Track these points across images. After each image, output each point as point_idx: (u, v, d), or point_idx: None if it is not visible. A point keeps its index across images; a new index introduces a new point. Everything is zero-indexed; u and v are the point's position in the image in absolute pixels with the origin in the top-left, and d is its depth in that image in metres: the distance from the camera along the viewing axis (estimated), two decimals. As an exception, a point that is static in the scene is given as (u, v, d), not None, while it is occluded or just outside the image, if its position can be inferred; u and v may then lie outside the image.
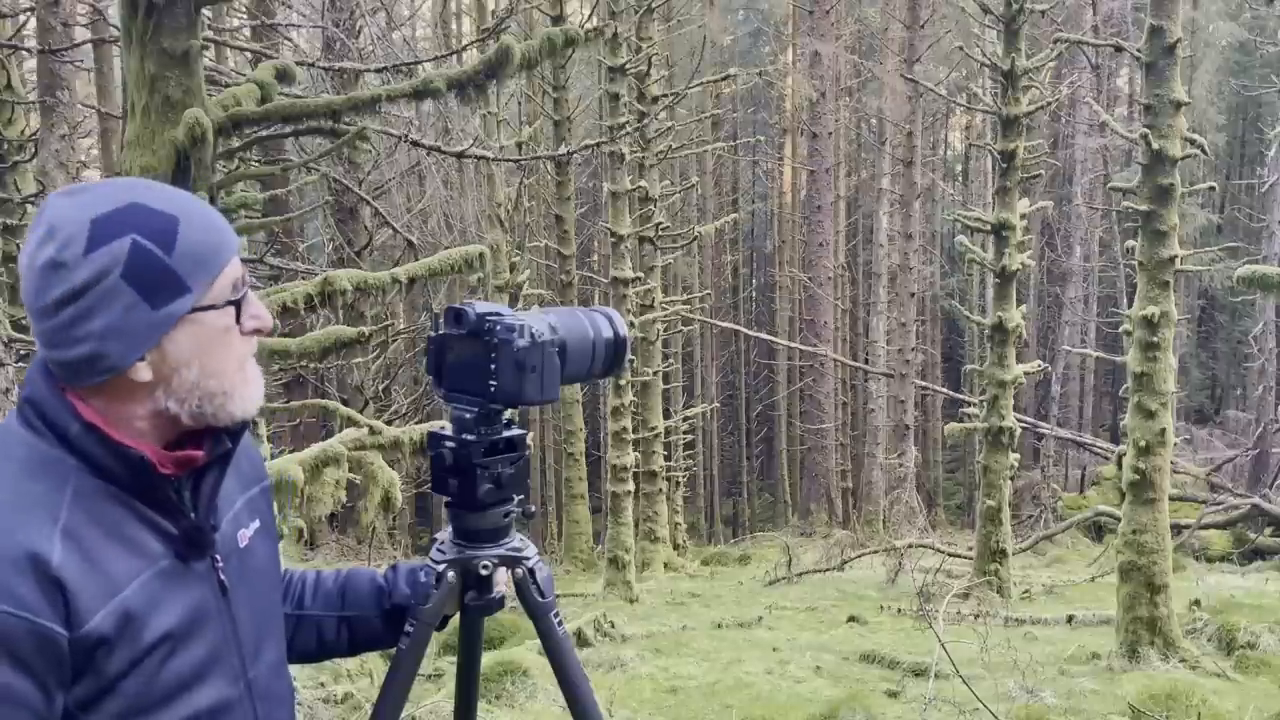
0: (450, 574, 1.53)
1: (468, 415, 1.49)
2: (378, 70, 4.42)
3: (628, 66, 12.32)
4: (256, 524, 1.39)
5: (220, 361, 1.23)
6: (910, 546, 12.98)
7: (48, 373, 1.20)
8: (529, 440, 1.56)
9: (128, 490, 1.19)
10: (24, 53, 9.48)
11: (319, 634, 1.56)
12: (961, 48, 12.50)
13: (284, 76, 3.91)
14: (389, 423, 8.82)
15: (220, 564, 1.28)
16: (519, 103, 17.95)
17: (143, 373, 1.18)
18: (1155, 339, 7.41)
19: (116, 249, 1.14)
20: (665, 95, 14.00)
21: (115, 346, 1.15)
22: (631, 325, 12.94)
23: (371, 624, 1.57)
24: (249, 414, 1.27)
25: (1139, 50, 7.45)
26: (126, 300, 1.14)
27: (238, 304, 1.23)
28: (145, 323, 1.15)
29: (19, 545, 1.08)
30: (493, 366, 1.45)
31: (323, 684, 5.96)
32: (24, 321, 7.33)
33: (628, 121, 12.57)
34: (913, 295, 19.15)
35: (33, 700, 1.08)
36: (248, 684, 1.29)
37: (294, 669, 1.50)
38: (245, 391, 1.26)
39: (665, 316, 15.62)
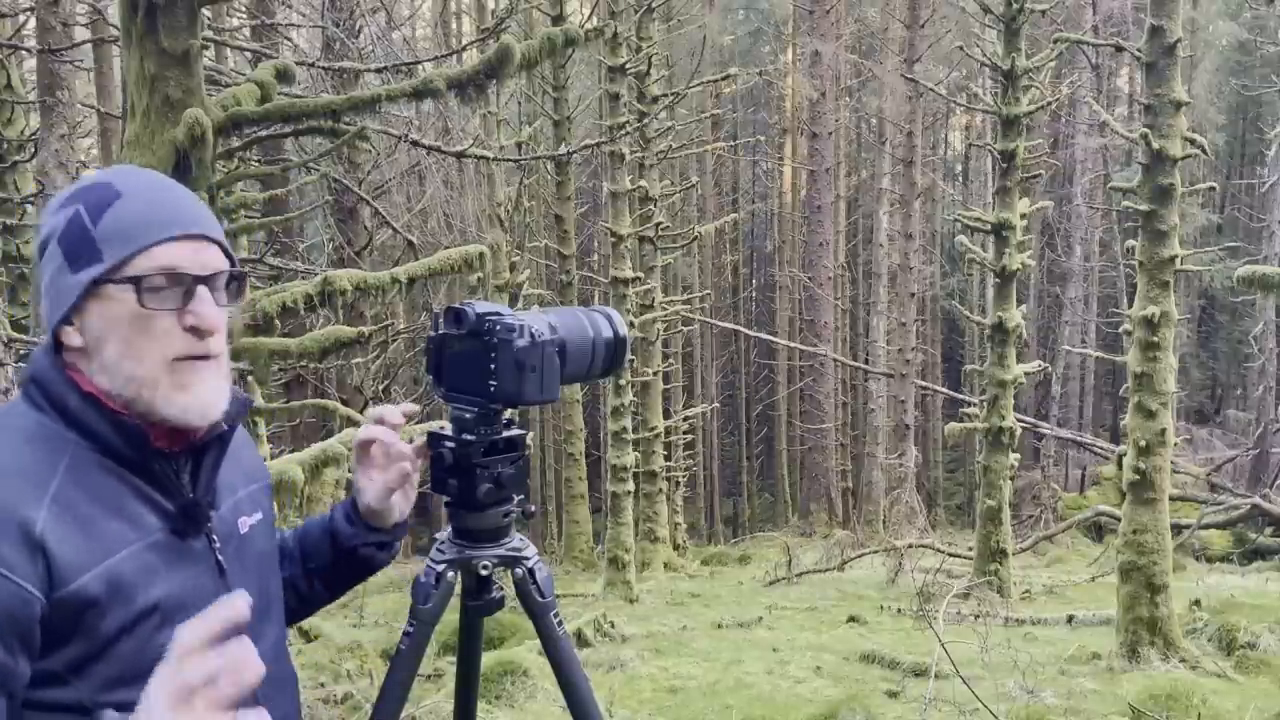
0: (450, 574, 1.53)
1: (467, 415, 1.49)
2: (378, 70, 4.42)
3: (628, 66, 12.31)
4: (259, 515, 1.40)
5: (139, 347, 1.20)
6: (910, 546, 12.97)
7: (51, 350, 1.25)
8: (529, 440, 1.56)
9: (125, 464, 1.21)
10: (24, 53, 9.48)
11: (295, 591, 1.58)
12: (961, 47, 12.51)
13: (284, 76, 3.91)
14: (389, 423, 8.79)
15: (218, 545, 1.29)
16: (519, 103, 17.93)
17: (73, 338, 1.23)
18: (1155, 339, 7.40)
19: (63, 217, 1.23)
20: (665, 95, 13.98)
21: (47, 304, 1.25)
22: (631, 325, 12.94)
23: (338, 568, 1.59)
24: (189, 422, 1.23)
25: (1139, 50, 7.45)
26: (57, 264, 1.22)
27: (137, 282, 1.19)
28: (65, 286, 1.22)
29: (4, 508, 1.10)
30: (492, 366, 1.44)
31: (323, 684, 5.97)
32: (24, 321, 7.33)
33: (628, 121, 12.55)
34: (913, 295, 19.15)
35: None
36: None
37: (295, 668, 1.50)
38: (176, 396, 1.22)
39: (665, 316, 15.62)
